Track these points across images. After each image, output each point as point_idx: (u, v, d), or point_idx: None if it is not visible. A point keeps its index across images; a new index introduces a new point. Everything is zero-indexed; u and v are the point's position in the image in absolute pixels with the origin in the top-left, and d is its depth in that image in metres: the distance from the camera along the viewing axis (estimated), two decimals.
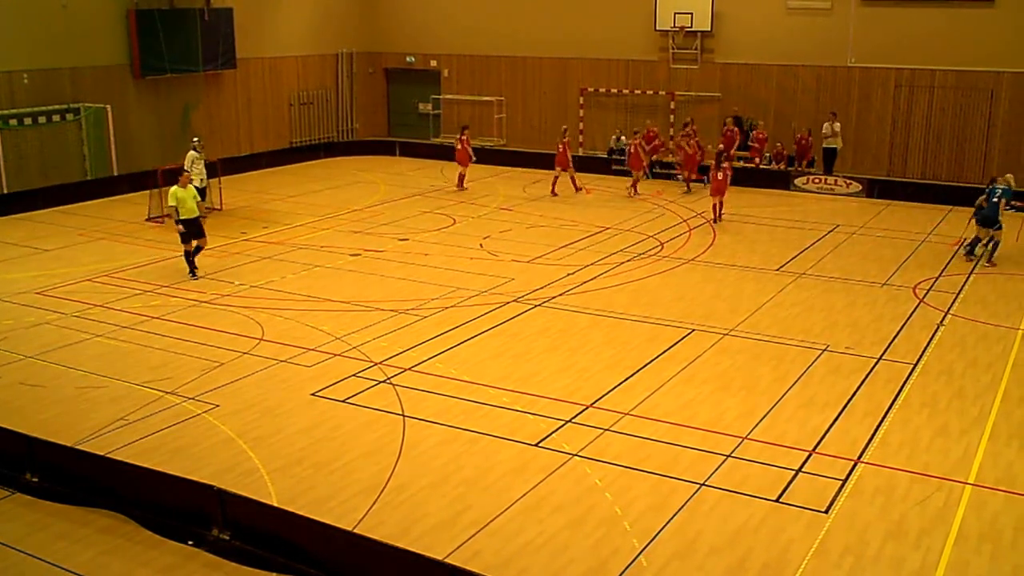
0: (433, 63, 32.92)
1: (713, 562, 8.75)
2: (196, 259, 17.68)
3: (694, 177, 26.22)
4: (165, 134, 27.21)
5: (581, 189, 25.72)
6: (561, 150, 25.41)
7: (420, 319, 15.43)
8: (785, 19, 27.22)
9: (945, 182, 25.61)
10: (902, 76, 26.10)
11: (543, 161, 29.82)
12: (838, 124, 26.15)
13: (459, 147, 26.40)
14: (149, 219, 22.41)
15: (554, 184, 25.73)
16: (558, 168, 25.57)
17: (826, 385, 12.82)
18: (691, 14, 27.89)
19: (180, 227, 17.34)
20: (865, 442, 11.14)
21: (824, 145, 26.19)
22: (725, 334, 14.79)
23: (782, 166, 26.92)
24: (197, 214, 17.51)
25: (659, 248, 20.04)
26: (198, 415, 11.84)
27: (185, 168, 22.10)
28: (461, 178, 26.64)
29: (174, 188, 17.51)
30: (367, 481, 10.22)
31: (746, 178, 26.45)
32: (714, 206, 22.63)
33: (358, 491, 10.01)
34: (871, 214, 23.51)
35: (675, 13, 28.10)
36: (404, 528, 9.27)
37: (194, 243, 17.54)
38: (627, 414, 11.88)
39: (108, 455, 10.40)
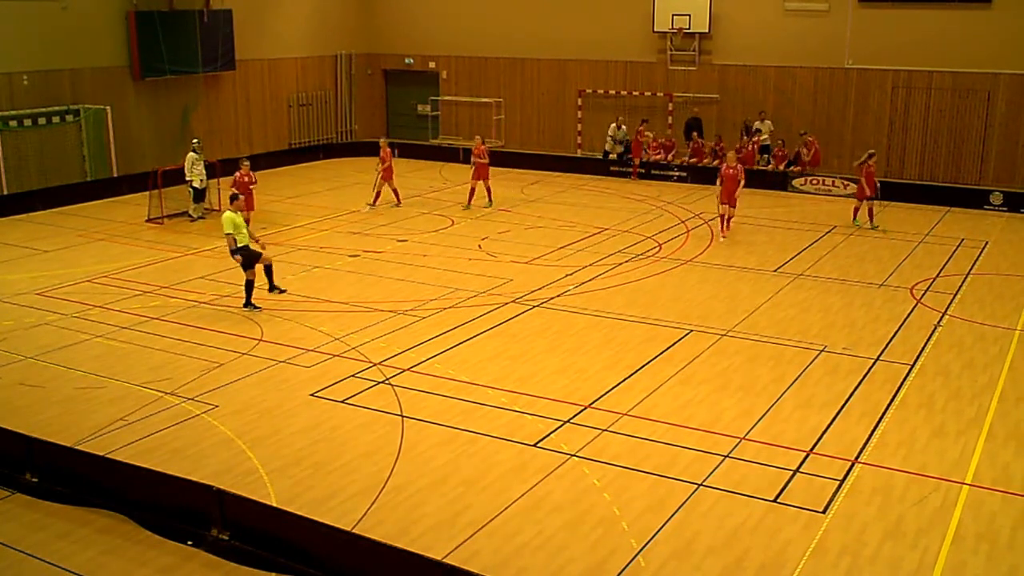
0: (431, 65, 32.96)
1: (711, 562, 8.78)
2: (252, 287, 15.85)
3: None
4: (165, 135, 27.24)
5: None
6: (479, 155, 23.87)
7: (419, 320, 15.46)
8: (783, 21, 27.27)
9: (942, 183, 25.66)
10: (899, 78, 26.15)
11: (542, 162, 29.97)
12: (769, 122, 27.22)
13: (637, 139, 27.86)
14: (149, 220, 22.44)
15: (471, 196, 24.15)
16: (476, 180, 23.96)
17: (823, 386, 12.85)
18: (689, 15, 27.93)
19: (239, 258, 15.67)
20: (863, 442, 11.17)
21: (761, 142, 27.27)
22: (723, 335, 14.82)
23: (781, 167, 26.95)
24: (248, 241, 15.85)
25: (657, 249, 20.08)
26: (197, 415, 11.87)
27: (185, 170, 22.29)
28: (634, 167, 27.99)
29: (228, 213, 15.71)
30: (366, 481, 10.25)
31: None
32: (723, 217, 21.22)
33: (357, 491, 10.04)
34: None
35: (673, 15, 28.15)
36: (403, 528, 9.30)
37: (258, 266, 15.83)
38: (625, 414, 11.91)
39: (108, 455, 10.43)
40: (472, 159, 24.05)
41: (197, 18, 27.25)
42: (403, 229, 21.79)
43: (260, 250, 15.99)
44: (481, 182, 23.97)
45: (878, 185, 22.23)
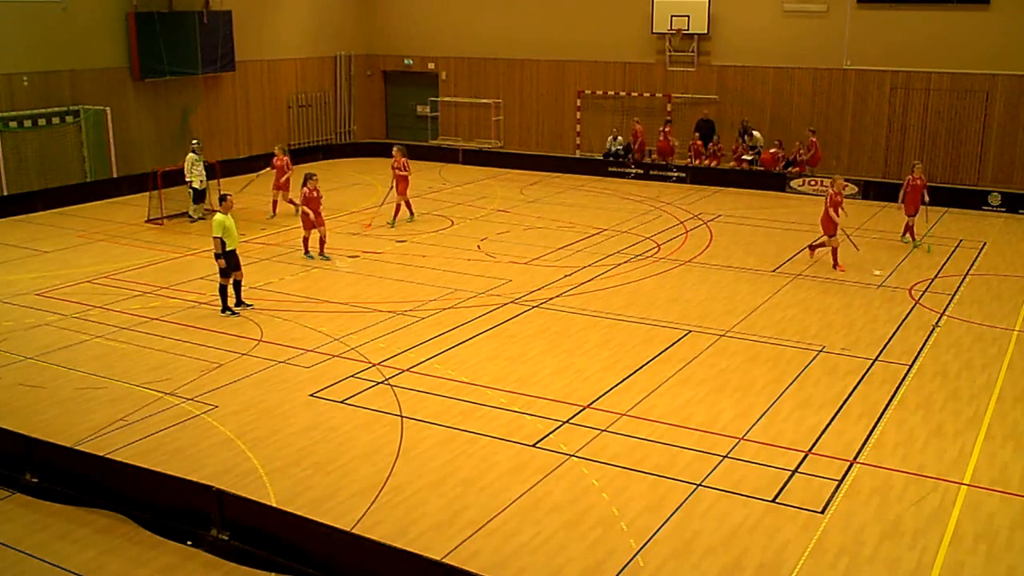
0: (431, 66, 33.00)
1: (709, 562, 8.81)
2: (234, 296, 15.91)
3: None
4: (164, 136, 27.27)
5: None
6: (399, 167, 22.01)
7: (418, 320, 15.48)
8: (781, 22, 27.31)
9: (940, 184, 25.66)
10: (898, 79, 26.19)
11: (541, 163, 30.00)
12: (757, 134, 27.32)
13: (661, 139, 27.91)
14: (148, 221, 22.46)
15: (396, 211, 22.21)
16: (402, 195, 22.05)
17: (822, 386, 12.88)
18: (688, 16, 27.97)
19: (222, 262, 15.46)
20: (861, 443, 11.20)
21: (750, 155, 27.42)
22: (721, 335, 14.85)
23: (779, 168, 26.98)
24: (236, 245, 15.67)
25: (656, 250, 20.10)
26: (197, 416, 11.89)
27: (185, 170, 22.29)
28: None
29: (220, 216, 15.45)
30: (365, 481, 10.27)
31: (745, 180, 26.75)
32: (834, 250, 18.76)
33: (356, 491, 10.06)
34: (867, 216, 23.57)
35: (672, 16, 28.18)
36: (402, 528, 9.33)
37: (233, 276, 15.77)
38: (624, 415, 11.94)
39: (108, 455, 10.45)
40: (393, 172, 22.16)
41: (197, 19, 27.28)
42: (402, 230, 21.80)
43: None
44: (400, 197, 22.19)
45: (926, 199, 20.20)
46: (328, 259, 19.01)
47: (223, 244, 15.43)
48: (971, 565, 8.80)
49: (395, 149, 22.57)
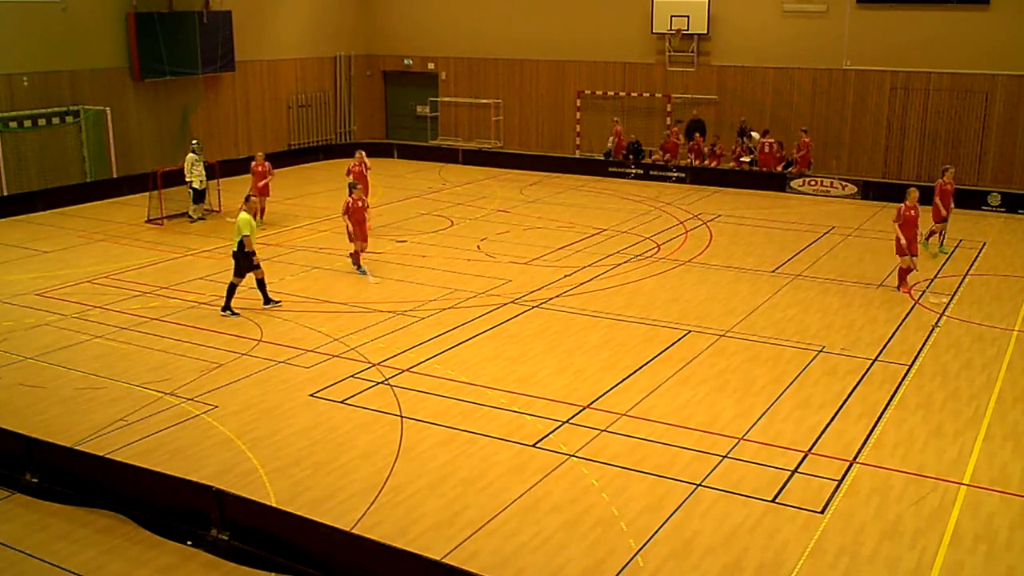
0: (431, 66, 33.02)
1: (709, 562, 8.81)
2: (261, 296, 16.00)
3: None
4: (164, 136, 27.28)
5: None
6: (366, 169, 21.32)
7: (418, 320, 15.49)
8: (781, 22, 27.33)
9: None
10: (897, 79, 26.21)
11: (541, 163, 30.00)
12: (756, 134, 27.38)
13: (670, 138, 27.99)
14: (148, 221, 22.46)
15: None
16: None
17: (822, 386, 12.88)
18: (687, 17, 27.99)
19: (256, 258, 15.71)
20: (861, 443, 11.20)
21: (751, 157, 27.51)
22: (721, 335, 14.85)
23: (778, 168, 26.99)
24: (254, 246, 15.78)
25: (655, 250, 20.11)
26: (197, 416, 11.89)
27: (185, 171, 22.31)
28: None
29: (245, 215, 15.63)
30: (365, 481, 10.27)
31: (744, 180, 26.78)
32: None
33: (356, 491, 10.06)
34: (866, 216, 23.57)
35: (672, 16, 28.21)
36: (402, 528, 9.33)
37: (255, 275, 15.88)
38: (624, 415, 11.94)
39: (108, 455, 10.45)
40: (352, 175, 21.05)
41: (197, 19, 27.29)
42: (402, 230, 21.81)
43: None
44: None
45: (951, 205, 19.53)
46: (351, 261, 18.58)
47: (247, 243, 15.55)
48: (971, 565, 8.81)
49: (359, 152, 22.06)
